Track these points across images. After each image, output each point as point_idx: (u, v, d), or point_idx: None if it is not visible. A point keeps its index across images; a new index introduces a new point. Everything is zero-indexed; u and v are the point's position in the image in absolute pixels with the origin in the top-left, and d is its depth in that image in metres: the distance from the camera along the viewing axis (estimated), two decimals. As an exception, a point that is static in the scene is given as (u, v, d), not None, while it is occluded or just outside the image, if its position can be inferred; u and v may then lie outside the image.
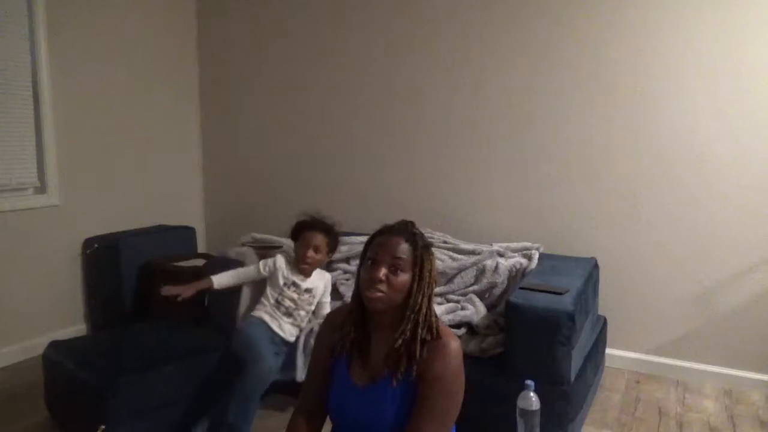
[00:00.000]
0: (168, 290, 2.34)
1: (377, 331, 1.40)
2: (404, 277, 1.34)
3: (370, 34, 3.55)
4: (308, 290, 2.50)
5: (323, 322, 1.54)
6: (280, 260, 2.51)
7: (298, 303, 2.47)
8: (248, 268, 2.53)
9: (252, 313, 2.45)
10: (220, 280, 2.48)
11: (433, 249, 1.43)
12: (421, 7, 3.37)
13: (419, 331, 1.33)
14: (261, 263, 2.52)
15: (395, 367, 1.32)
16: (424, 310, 1.35)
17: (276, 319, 2.42)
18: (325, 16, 3.67)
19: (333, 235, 2.54)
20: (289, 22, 3.79)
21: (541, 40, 3.08)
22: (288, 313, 2.45)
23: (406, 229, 1.40)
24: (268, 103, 3.95)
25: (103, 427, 1.98)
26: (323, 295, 2.60)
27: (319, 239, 2.48)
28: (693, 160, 2.82)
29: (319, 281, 2.56)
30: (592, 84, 2.99)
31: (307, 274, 2.51)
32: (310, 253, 2.46)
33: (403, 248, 1.35)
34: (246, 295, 2.65)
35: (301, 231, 2.51)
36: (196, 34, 4.15)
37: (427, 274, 1.37)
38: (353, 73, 3.63)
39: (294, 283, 2.47)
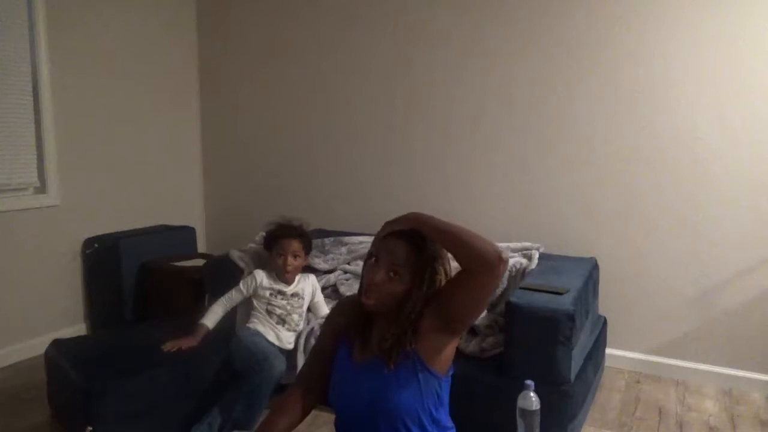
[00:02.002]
0: (169, 346, 2.34)
1: (378, 318, 1.40)
2: (400, 287, 1.31)
3: (370, 34, 3.55)
4: (295, 294, 2.52)
5: (336, 306, 1.57)
6: (260, 275, 2.51)
7: (288, 309, 2.48)
8: (230, 294, 2.50)
9: (247, 325, 2.45)
10: (213, 318, 2.45)
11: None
12: (422, 9, 3.36)
13: (409, 329, 1.32)
14: (241, 283, 2.52)
15: (387, 356, 1.32)
16: (418, 312, 1.33)
17: (270, 329, 2.42)
18: (326, 16, 3.67)
19: (307, 238, 2.56)
20: (289, 21, 3.79)
21: (542, 42, 3.08)
22: (281, 320, 2.45)
23: (415, 234, 1.33)
24: (268, 103, 3.95)
25: (90, 428, 1.98)
26: (314, 295, 2.62)
27: (296, 245, 2.49)
28: (693, 160, 2.82)
29: (305, 283, 2.58)
30: (592, 84, 2.99)
31: (290, 281, 2.53)
32: (290, 260, 2.47)
33: (405, 255, 1.31)
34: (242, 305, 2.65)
35: (274, 240, 2.51)
36: (196, 35, 4.14)
37: (429, 282, 1.32)
38: (354, 74, 3.63)
39: (279, 292, 2.49)
